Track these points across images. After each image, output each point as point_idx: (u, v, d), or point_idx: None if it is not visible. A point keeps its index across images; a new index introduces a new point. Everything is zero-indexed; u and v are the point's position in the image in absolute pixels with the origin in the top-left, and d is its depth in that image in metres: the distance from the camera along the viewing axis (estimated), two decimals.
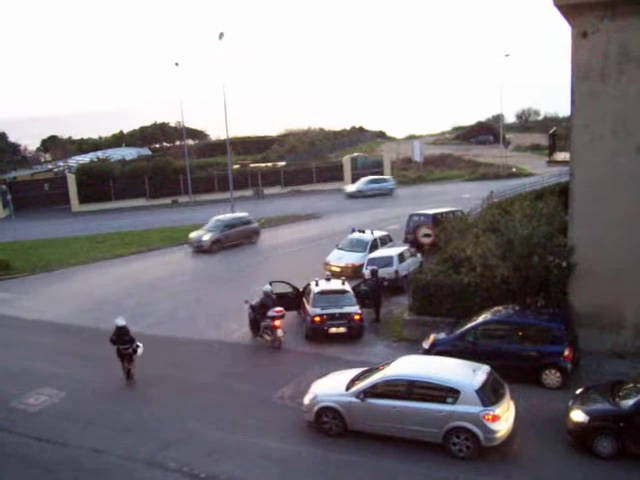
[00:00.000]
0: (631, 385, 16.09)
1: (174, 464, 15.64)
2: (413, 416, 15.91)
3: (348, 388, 17.04)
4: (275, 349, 23.02)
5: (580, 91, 20.13)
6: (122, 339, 20.54)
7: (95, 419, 18.20)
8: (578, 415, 15.70)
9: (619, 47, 19.45)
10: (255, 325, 23.81)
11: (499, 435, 15.45)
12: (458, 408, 15.53)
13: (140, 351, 20.69)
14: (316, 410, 17.02)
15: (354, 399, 16.60)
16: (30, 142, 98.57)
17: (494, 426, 15.34)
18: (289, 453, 16.17)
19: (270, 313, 23.09)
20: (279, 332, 23.03)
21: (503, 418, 15.57)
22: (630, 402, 15.22)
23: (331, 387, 17.50)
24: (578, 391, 17.01)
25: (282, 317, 23.19)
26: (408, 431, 16.06)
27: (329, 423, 16.90)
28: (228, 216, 42.82)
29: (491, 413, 15.34)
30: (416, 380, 16.23)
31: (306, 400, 17.49)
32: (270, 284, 25.00)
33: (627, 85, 19.53)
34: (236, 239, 41.08)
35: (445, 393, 15.80)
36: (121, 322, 20.81)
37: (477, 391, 15.57)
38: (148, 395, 19.88)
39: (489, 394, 15.74)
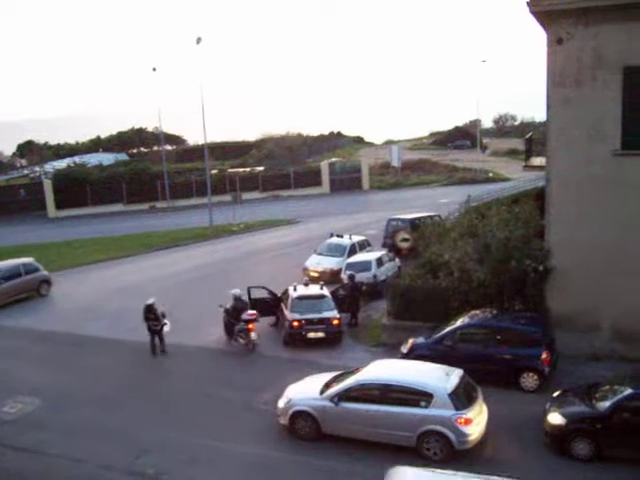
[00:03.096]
0: (607, 387, 16.24)
1: (153, 471, 15.52)
2: (386, 420, 15.96)
3: (322, 392, 17.06)
4: (250, 352, 23.07)
5: (555, 97, 20.35)
6: (150, 316, 23.02)
7: (72, 427, 18.02)
8: (555, 418, 15.82)
9: (593, 53, 19.69)
10: (230, 329, 23.91)
11: (471, 438, 15.55)
12: (431, 412, 15.60)
13: (167, 329, 23.22)
14: (290, 414, 17.03)
15: (328, 403, 16.62)
16: (6, 147, 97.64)
17: (466, 429, 15.42)
18: (269, 459, 16.11)
19: (244, 316, 23.21)
20: (253, 335, 23.14)
21: (475, 422, 15.67)
22: (606, 404, 15.36)
23: (305, 391, 17.52)
24: (555, 394, 17.15)
25: (256, 320, 23.30)
26: (382, 435, 16.10)
27: (303, 427, 16.91)
28: (4, 264, 32.17)
29: (463, 417, 15.43)
30: (389, 384, 16.29)
31: (280, 404, 17.50)
32: (249, 289, 25.09)
33: (601, 90, 19.76)
34: (17, 293, 31.46)
35: (418, 397, 15.86)
36: (150, 300, 23.27)
37: (450, 395, 15.65)
38: (126, 402, 19.71)
39: (462, 398, 15.84)
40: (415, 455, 15.67)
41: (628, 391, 15.41)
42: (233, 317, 23.67)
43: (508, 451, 16.02)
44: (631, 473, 14.90)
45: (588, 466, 15.18)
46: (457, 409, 15.48)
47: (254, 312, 23.54)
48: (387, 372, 16.92)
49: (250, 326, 23.13)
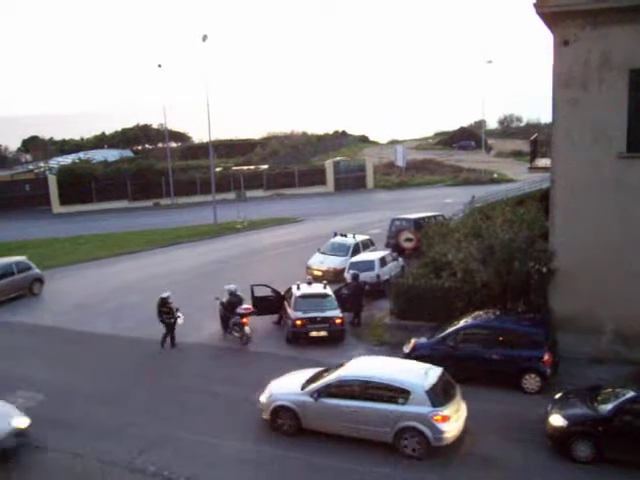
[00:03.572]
0: (609, 390, 16.22)
1: (153, 468, 15.54)
2: (365, 416, 16.12)
3: (304, 387, 17.24)
4: (245, 347, 23.49)
5: (561, 98, 20.32)
6: (163, 309, 23.42)
7: (74, 422, 18.04)
8: (557, 419, 15.81)
9: (600, 55, 19.66)
10: (225, 322, 24.50)
11: (448, 435, 15.64)
12: (408, 408, 15.75)
13: (180, 322, 23.63)
14: (272, 409, 17.22)
15: (308, 398, 16.80)
16: (11, 142, 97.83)
17: (443, 426, 15.52)
18: (269, 456, 16.13)
19: (238, 310, 23.78)
20: (247, 329, 23.69)
21: (453, 419, 15.77)
22: (608, 407, 15.34)
23: (287, 386, 17.70)
24: (557, 395, 17.13)
25: (250, 314, 23.88)
26: (360, 431, 16.25)
27: (284, 422, 17.08)
28: None
29: (440, 414, 15.53)
30: (368, 381, 16.45)
31: (262, 398, 17.65)
32: (252, 287, 25.28)
33: (607, 92, 19.73)
34: (10, 292, 30.98)
35: (396, 394, 16.01)
36: (165, 294, 23.76)
37: (427, 392, 15.77)
38: (128, 398, 19.75)
39: (439, 395, 15.94)
40: (394, 451, 15.86)
41: (630, 394, 15.39)
42: (228, 311, 24.28)
43: (509, 452, 15.99)
44: (632, 476, 14.88)
45: (589, 468, 15.16)
46: (434, 406, 15.60)
47: (248, 306, 24.15)
48: (367, 369, 17.09)
49: (244, 320, 23.68)
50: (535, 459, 15.68)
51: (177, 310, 23.73)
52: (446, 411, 15.61)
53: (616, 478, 14.94)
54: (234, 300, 24.40)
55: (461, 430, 16.07)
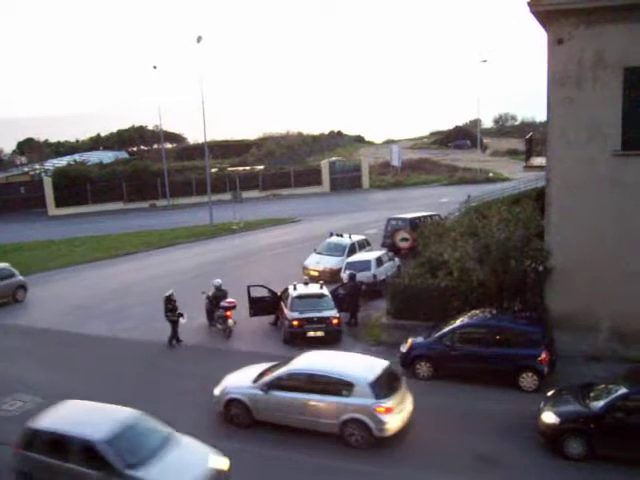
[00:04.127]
0: (601, 387, 16.29)
1: None
2: (312, 408, 16.56)
3: (255, 381, 17.62)
4: (227, 339, 24.37)
5: (556, 97, 20.37)
6: (168, 307, 23.73)
7: None
8: (549, 416, 15.87)
9: (594, 54, 19.71)
10: (211, 315, 25.43)
11: (390, 427, 16.02)
12: (352, 400, 16.18)
13: (183, 320, 23.97)
14: (224, 401, 17.63)
15: (259, 391, 17.22)
16: (6, 144, 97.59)
17: (386, 418, 15.92)
18: (260, 455, 16.16)
19: (222, 304, 24.64)
20: (230, 321, 24.51)
21: (396, 410, 16.12)
22: (600, 404, 15.41)
23: (240, 379, 18.15)
24: (550, 393, 17.18)
25: (233, 308, 24.59)
26: (308, 422, 16.66)
27: (236, 414, 17.50)
28: None
29: (383, 405, 15.89)
30: (315, 374, 16.92)
31: (216, 392, 18.02)
32: (248, 288, 25.38)
33: (602, 91, 19.79)
34: None
35: (341, 386, 16.46)
36: (169, 292, 24.15)
37: (370, 384, 16.16)
38: (124, 399, 19.67)
39: (383, 387, 16.31)
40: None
41: (622, 390, 15.47)
42: (213, 305, 25.18)
43: (503, 449, 16.04)
44: (624, 473, 14.94)
45: (581, 465, 15.23)
46: (377, 398, 15.94)
47: (232, 300, 24.78)
48: (315, 362, 17.55)
49: (228, 313, 24.47)
50: (528, 456, 15.76)
51: (182, 315, 24.08)
52: (389, 403, 16.02)
53: (608, 475, 15.01)
54: (219, 294, 25.25)
55: (405, 422, 16.44)
